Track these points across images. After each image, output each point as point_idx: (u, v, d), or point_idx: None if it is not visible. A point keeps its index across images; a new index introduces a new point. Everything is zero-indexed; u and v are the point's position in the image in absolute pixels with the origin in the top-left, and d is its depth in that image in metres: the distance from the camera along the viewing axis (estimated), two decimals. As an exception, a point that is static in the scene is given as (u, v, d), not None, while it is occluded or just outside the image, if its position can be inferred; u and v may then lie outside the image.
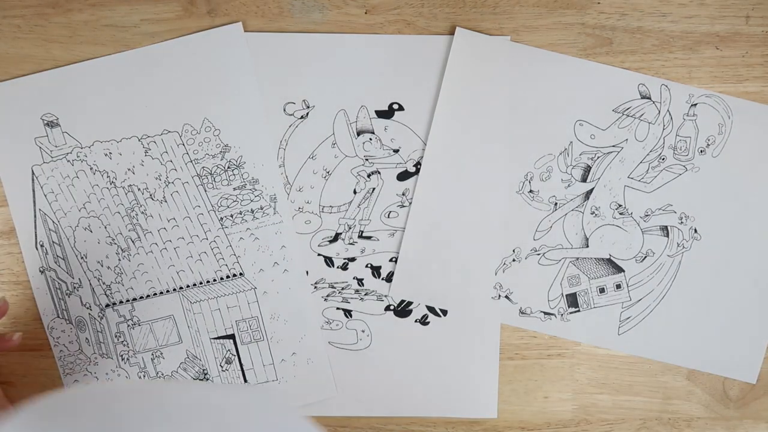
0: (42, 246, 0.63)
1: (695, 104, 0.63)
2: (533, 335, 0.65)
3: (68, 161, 0.63)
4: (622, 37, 0.62)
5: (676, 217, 0.64)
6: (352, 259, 0.64)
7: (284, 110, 0.63)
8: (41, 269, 0.63)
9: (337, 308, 0.64)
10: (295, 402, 0.64)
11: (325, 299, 0.64)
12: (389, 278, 0.64)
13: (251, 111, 0.63)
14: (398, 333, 0.64)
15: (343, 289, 0.64)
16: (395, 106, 0.63)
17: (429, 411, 0.64)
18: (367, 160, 0.63)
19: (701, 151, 0.63)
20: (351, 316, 0.64)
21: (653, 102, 0.62)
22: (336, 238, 0.64)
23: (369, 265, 0.64)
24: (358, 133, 0.63)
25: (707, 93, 0.62)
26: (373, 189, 0.64)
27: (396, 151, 0.63)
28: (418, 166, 0.63)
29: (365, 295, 0.64)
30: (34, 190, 0.63)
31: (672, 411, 0.65)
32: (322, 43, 0.62)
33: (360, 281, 0.64)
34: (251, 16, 0.62)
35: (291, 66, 0.62)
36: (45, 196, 0.63)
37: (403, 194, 0.64)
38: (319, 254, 0.64)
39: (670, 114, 0.63)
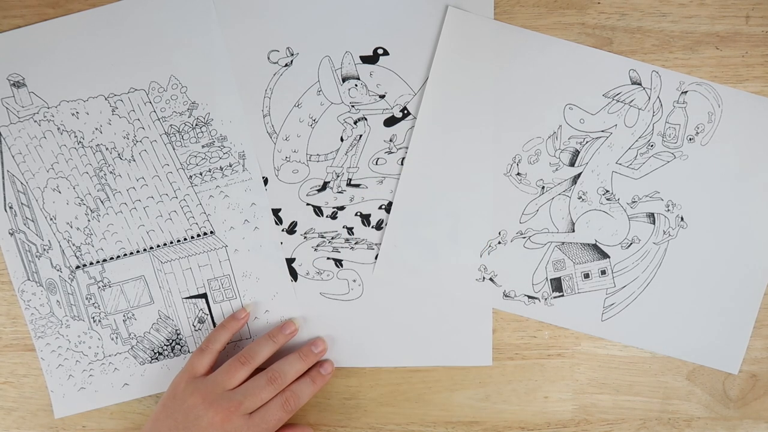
0: (11, 208, 0.63)
1: (686, 92, 0.62)
2: (533, 335, 0.64)
3: (35, 122, 0.62)
4: (622, 37, 0.62)
5: (663, 204, 0.63)
6: (341, 208, 0.63)
7: (268, 58, 0.62)
8: (10, 231, 0.63)
9: (328, 258, 0.63)
10: None
11: (315, 249, 0.63)
12: (379, 226, 0.63)
13: (218, 67, 0.62)
14: (390, 282, 0.63)
15: (333, 238, 0.63)
16: (380, 51, 0.62)
17: (423, 360, 0.63)
18: (353, 106, 0.63)
19: (690, 139, 0.63)
20: (342, 266, 0.63)
21: (644, 88, 0.62)
22: (324, 186, 0.63)
23: (358, 213, 0.63)
24: (344, 80, 0.62)
25: (698, 81, 0.62)
26: (360, 136, 0.63)
27: (382, 96, 0.63)
28: (405, 111, 0.63)
29: (355, 243, 0.63)
30: (1, 151, 0.63)
31: (672, 411, 0.64)
32: None
33: (350, 230, 0.63)
34: (234, -38, 0.62)
35: (274, 12, 0.62)
36: (13, 157, 0.62)
37: (391, 140, 0.63)
38: (308, 204, 0.63)
39: (660, 100, 0.63)
